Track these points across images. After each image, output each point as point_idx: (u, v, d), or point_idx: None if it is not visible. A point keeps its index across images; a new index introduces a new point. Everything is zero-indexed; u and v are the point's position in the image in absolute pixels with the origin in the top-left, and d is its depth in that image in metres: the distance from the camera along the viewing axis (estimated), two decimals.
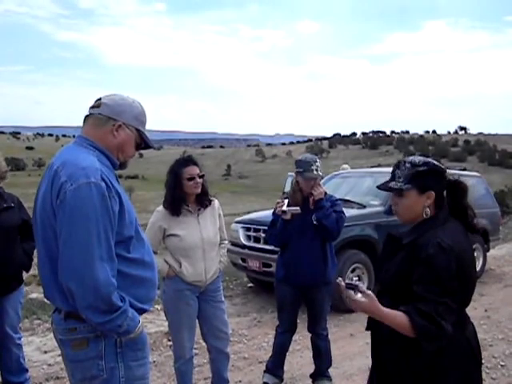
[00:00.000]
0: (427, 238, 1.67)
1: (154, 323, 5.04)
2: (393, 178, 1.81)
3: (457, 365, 1.68)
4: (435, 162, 1.81)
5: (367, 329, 1.88)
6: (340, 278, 1.56)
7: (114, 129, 1.77)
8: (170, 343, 3.79)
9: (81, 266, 1.59)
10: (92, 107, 1.81)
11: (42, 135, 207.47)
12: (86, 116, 1.82)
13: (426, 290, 1.60)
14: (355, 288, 1.58)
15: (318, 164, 3.33)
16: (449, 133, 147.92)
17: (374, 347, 1.87)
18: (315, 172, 3.30)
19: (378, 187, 1.88)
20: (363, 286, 1.61)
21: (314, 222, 3.32)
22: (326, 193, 3.55)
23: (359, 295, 1.57)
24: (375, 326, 1.76)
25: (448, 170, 1.83)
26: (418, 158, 1.81)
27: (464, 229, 1.77)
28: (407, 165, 1.78)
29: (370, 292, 1.58)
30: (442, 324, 1.57)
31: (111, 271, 1.63)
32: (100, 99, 1.81)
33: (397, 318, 1.58)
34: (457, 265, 1.63)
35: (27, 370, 3.34)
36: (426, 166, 1.76)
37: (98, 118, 1.78)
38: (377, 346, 1.84)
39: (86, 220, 1.59)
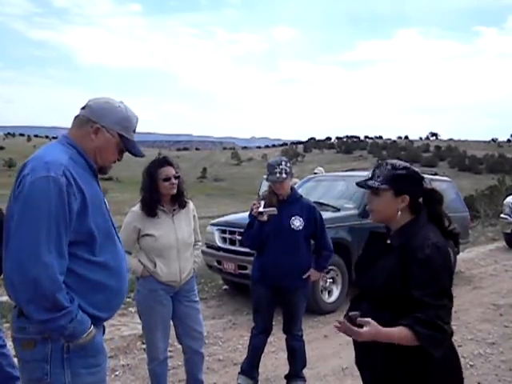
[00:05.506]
0: (420, 240, 1.71)
1: (127, 326, 4.98)
2: (372, 177, 1.85)
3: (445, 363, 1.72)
4: (415, 169, 1.87)
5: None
6: (339, 321, 1.58)
7: (92, 131, 1.76)
8: (144, 346, 3.75)
9: (25, 259, 1.54)
10: (81, 108, 1.82)
11: (14, 135, 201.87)
12: (76, 116, 1.83)
13: (425, 293, 1.62)
14: (354, 319, 1.58)
15: (282, 166, 3.32)
16: (420, 138, 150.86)
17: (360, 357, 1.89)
18: (278, 175, 3.31)
19: (357, 184, 1.91)
20: (358, 314, 1.62)
21: (292, 226, 3.36)
22: (301, 196, 3.59)
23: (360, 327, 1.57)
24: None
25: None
26: (399, 162, 1.85)
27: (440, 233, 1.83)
28: (388, 166, 1.82)
29: (368, 319, 1.58)
30: (445, 328, 1.61)
31: (59, 268, 1.58)
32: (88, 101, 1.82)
33: (400, 333, 1.60)
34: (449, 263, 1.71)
35: (18, 378, 2.99)
36: (405, 171, 1.81)
37: (80, 119, 1.79)
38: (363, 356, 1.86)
39: (37, 212, 1.56)
